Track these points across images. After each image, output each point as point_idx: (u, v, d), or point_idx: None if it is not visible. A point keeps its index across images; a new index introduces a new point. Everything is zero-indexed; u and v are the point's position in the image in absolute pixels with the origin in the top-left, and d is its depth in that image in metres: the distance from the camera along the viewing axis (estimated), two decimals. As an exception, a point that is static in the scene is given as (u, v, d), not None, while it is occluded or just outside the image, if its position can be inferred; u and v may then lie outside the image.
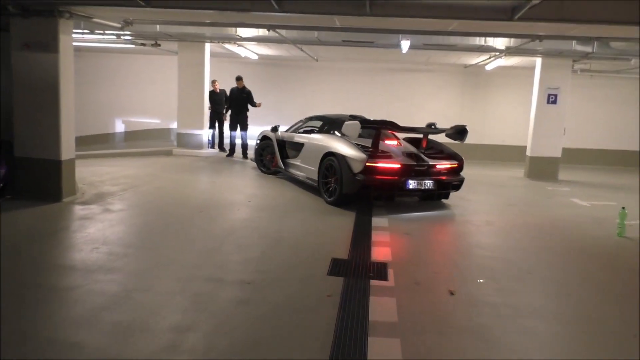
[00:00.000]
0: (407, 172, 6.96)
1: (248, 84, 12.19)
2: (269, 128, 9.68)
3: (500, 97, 14.57)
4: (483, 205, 8.03)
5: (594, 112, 14.19)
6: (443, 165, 7.38)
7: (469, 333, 3.42)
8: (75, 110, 7.10)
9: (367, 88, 14.80)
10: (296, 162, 8.60)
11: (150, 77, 15.45)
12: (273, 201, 7.50)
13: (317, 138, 8.17)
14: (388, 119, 7.18)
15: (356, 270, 4.56)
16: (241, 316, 3.49)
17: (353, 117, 8.41)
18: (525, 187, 10.16)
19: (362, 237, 5.69)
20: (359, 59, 13.89)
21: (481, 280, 4.46)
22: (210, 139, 12.71)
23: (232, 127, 11.89)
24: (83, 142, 15.15)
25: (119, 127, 16.51)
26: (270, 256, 4.92)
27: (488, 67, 12.63)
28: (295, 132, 9.16)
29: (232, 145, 11.99)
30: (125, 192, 7.32)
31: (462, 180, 7.58)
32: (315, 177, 7.72)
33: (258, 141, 10.04)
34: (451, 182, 7.41)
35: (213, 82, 12.38)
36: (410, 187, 6.98)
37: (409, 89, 14.71)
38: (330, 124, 8.48)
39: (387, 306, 3.76)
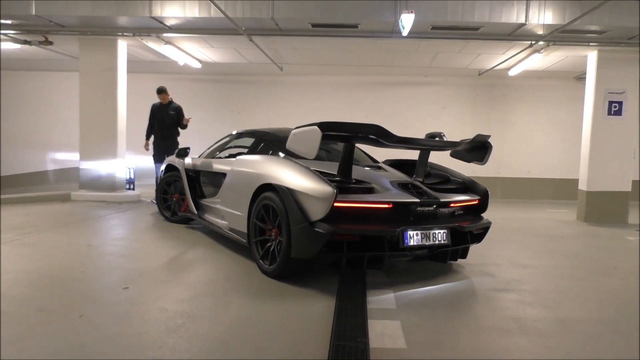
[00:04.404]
0: (404, 216, 3.97)
1: (191, 104, 8.73)
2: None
3: (526, 115, 11.23)
4: (558, 277, 4.49)
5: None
6: (459, 202, 4.37)
7: None
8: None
9: (346, 109, 11.40)
10: (214, 203, 5.28)
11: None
12: (167, 282, 3.86)
13: (246, 162, 4.82)
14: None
15: None
16: None
17: None
18: (595, 238, 6.66)
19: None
20: (336, 68, 10.57)
21: None
22: (132, 176, 9.06)
23: (159, 158, 8.24)
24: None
25: (45, 165, 12.68)
26: None
27: (512, 72, 9.38)
28: (215, 157, 5.86)
29: (160, 183, 8.33)
30: None
31: (487, 227, 4.51)
32: (244, 228, 4.49)
33: (161, 173, 6.70)
34: (471, 231, 4.29)
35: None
36: (410, 242, 3.85)
37: (402, 107, 11.35)
38: (267, 142, 5.20)
39: None
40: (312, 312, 3.31)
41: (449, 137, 10.78)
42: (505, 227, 7.27)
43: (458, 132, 11.00)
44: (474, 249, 5.19)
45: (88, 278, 3.96)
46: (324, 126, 3.66)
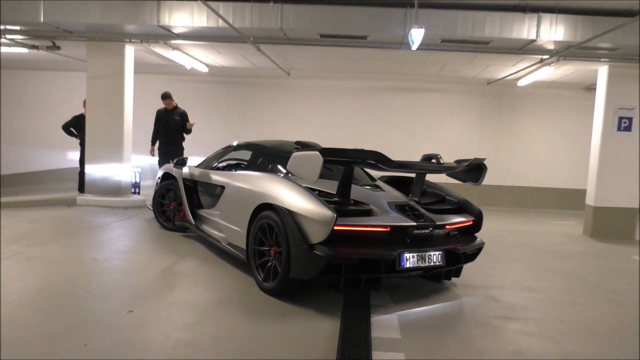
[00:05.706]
0: (401, 239, 4.03)
1: (197, 106, 8.70)
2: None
3: (534, 124, 11.16)
4: (563, 304, 4.44)
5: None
6: (454, 224, 4.43)
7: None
8: None
9: (353, 113, 11.36)
10: (213, 215, 5.35)
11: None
12: (170, 304, 3.85)
13: (246, 177, 4.87)
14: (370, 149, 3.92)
15: None
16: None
17: (302, 146, 5.17)
18: (601, 257, 6.62)
19: None
20: (343, 74, 10.52)
21: None
22: (137, 180, 9.07)
23: (164, 163, 8.22)
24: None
25: (52, 164, 12.65)
26: None
27: (521, 83, 9.31)
28: (213, 168, 5.91)
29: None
30: None
31: (480, 248, 4.59)
32: (242, 244, 4.55)
33: (158, 181, 6.75)
34: (465, 252, 4.37)
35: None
36: (407, 264, 3.93)
37: (409, 114, 11.31)
38: (266, 156, 5.25)
39: None
40: (316, 340, 3.30)
41: (456, 144, 10.85)
42: (512, 241, 7.24)
43: (465, 139, 10.99)
44: (480, 266, 5.22)
45: (93, 298, 3.96)
46: (325, 152, 3.70)
